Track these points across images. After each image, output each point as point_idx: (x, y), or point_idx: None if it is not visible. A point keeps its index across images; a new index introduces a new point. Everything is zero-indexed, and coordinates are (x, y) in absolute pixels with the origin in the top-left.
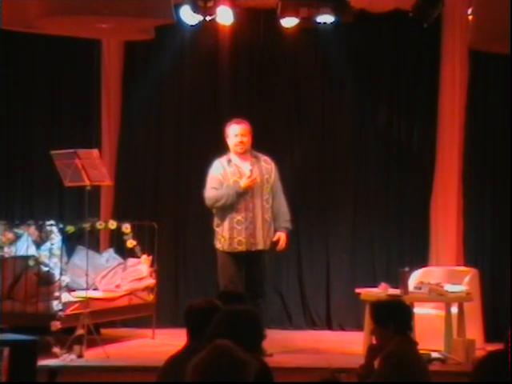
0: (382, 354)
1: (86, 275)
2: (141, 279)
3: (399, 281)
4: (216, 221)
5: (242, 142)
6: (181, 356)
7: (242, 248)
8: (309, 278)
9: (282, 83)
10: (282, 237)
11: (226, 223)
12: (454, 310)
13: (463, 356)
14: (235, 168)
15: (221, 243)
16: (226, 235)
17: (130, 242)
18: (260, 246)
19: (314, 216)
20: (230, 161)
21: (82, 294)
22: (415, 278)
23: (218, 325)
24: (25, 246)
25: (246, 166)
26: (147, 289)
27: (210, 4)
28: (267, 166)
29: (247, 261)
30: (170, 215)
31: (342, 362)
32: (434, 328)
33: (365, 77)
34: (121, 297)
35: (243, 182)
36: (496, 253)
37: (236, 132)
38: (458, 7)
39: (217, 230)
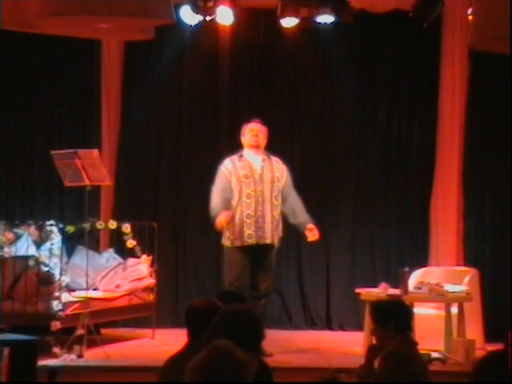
0: (382, 354)
1: (86, 275)
2: (141, 279)
3: (399, 281)
4: None
5: (256, 136)
6: (181, 356)
7: (251, 241)
8: (309, 278)
9: (282, 83)
10: (313, 228)
11: (237, 218)
12: (454, 309)
13: (463, 356)
14: (246, 163)
15: (230, 240)
16: (237, 229)
17: (130, 242)
18: (268, 240)
19: (313, 216)
20: (241, 156)
21: (82, 293)
22: (415, 278)
23: (218, 325)
24: (25, 246)
25: (257, 161)
26: (147, 289)
27: (209, 4)
28: (278, 165)
29: (254, 256)
30: (170, 215)
31: (342, 362)
32: (434, 328)
33: (365, 77)
34: (121, 297)
35: (219, 220)
36: (496, 253)
37: (251, 128)
38: (458, 7)
39: (226, 226)
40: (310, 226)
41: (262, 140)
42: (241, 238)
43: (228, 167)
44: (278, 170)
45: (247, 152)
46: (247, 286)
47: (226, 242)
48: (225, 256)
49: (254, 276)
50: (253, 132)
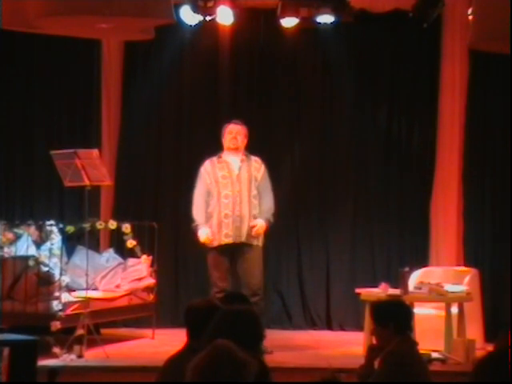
0: (382, 354)
1: (86, 275)
2: (141, 279)
3: (399, 281)
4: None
5: (234, 138)
6: (181, 356)
7: (228, 240)
8: (309, 278)
9: (282, 83)
10: (258, 222)
11: (215, 218)
12: (454, 309)
13: (463, 356)
14: (224, 164)
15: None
16: (215, 230)
17: (130, 242)
18: (246, 240)
19: (314, 216)
20: (220, 157)
21: (82, 294)
22: (415, 278)
23: (218, 325)
24: (25, 246)
25: (235, 162)
26: (147, 289)
27: (210, 4)
28: (256, 164)
29: (236, 255)
30: (170, 215)
31: (342, 362)
32: (434, 328)
33: (365, 77)
34: (121, 297)
35: (202, 237)
36: (496, 253)
37: (230, 130)
38: (458, 7)
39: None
40: (257, 221)
41: (241, 141)
42: (219, 238)
43: (207, 169)
44: (256, 169)
45: (226, 153)
46: (235, 285)
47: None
48: (207, 256)
49: (243, 274)
50: (231, 134)
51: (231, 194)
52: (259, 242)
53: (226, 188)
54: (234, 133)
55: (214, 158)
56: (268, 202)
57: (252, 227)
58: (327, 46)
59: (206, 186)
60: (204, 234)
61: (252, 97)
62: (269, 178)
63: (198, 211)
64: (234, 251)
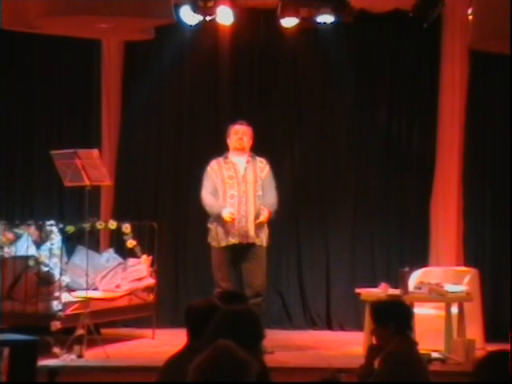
0: (382, 354)
1: (86, 275)
2: (141, 279)
3: (399, 281)
4: (211, 217)
5: (240, 139)
6: (181, 356)
7: (235, 240)
8: (309, 278)
9: (282, 83)
10: (265, 210)
11: (221, 218)
12: (454, 309)
13: (463, 356)
14: (230, 164)
15: (215, 240)
16: (221, 230)
17: (130, 242)
18: (251, 240)
19: (314, 216)
20: (226, 158)
21: (82, 293)
22: (415, 278)
23: (218, 325)
24: (25, 246)
25: (241, 162)
26: (147, 289)
27: (210, 4)
28: (261, 165)
29: (241, 255)
30: (170, 215)
31: (342, 362)
32: (434, 328)
33: (365, 77)
34: (121, 297)
35: (226, 215)
36: (496, 253)
37: (236, 131)
38: (458, 7)
39: (211, 226)
40: (263, 207)
41: (247, 142)
42: (226, 238)
43: (214, 168)
44: (261, 169)
45: (232, 154)
46: (237, 285)
47: (212, 241)
48: (211, 255)
49: (247, 274)
50: (237, 135)
51: (237, 194)
52: (264, 243)
53: (231, 188)
54: (240, 133)
55: (221, 159)
56: (272, 198)
57: (260, 213)
58: (327, 46)
59: (214, 185)
60: (227, 213)
61: (252, 97)
62: (273, 178)
63: (211, 202)
64: (238, 251)
